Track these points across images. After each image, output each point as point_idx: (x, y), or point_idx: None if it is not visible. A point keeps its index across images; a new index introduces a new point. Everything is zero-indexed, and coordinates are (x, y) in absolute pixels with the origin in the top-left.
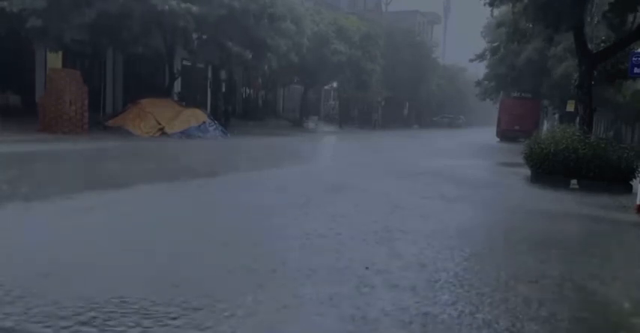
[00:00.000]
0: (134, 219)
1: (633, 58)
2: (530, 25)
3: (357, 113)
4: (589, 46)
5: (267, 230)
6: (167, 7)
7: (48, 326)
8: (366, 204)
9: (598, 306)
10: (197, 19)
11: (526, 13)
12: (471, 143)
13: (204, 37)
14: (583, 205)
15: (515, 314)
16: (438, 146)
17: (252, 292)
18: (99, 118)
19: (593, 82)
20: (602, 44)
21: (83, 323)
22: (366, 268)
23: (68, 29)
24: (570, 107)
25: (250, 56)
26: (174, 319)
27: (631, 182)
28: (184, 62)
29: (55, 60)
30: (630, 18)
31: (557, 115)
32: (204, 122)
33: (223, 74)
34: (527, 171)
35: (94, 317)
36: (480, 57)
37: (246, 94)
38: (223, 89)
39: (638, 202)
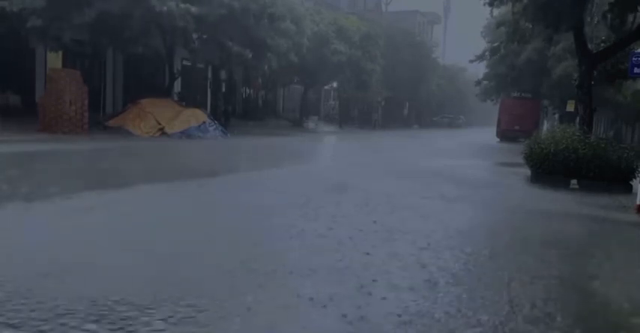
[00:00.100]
0: (134, 219)
1: (633, 58)
2: (530, 25)
3: (357, 113)
4: (589, 46)
5: (267, 230)
6: (166, 8)
7: (47, 326)
8: (366, 204)
9: (598, 306)
10: (197, 19)
11: (526, 13)
12: (470, 143)
13: (204, 36)
14: (583, 205)
15: (515, 314)
16: (437, 146)
17: (252, 292)
18: (99, 118)
19: (593, 82)
20: (602, 44)
21: (83, 323)
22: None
23: (68, 29)
24: (570, 107)
25: (250, 56)
26: (174, 318)
27: (631, 182)
28: (184, 62)
29: (55, 60)
30: (630, 18)
31: (557, 115)
32: (204, 122)
33: (223, 74)
34: (527, 171)
35: (94, 317)
36: (480, 57)
37: (246, 94)
38: (223, 89)
39: (638, 202)
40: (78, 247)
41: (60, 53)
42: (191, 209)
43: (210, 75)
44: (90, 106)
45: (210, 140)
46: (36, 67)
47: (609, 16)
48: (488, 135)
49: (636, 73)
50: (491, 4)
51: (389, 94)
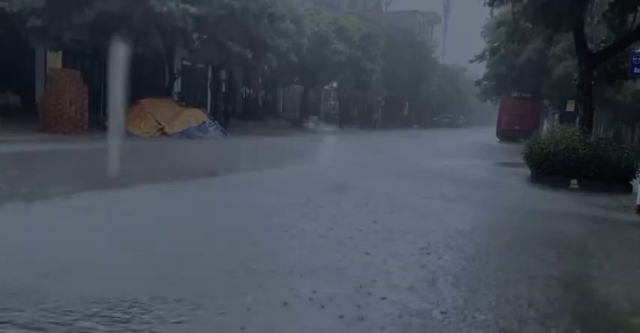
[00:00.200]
0: (134, 219)
1: (633, 58)
2: (530, 25)
3: (357, 113)
4: (589, 46)
5: (267, 230)
6: (165, 8)
7: (48, 325)
8: (366, 204)
9: (598, 306)
10: (197, 20)
11: (526, 13)
12: (470, 143)
13: (204, 37)
14: (583, 205)
15: (515, 314)
16: (437, 146)
17: (252, 292)
18: (99, 118)
19: (593, 82)
20: (602, 44)
21: (82, 322)
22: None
23: (68, 29)
24: (570, 107)
25: (250, 56)
26: (173, 318)
27: (631, 182)
28: (184, 62)
29: (55, 60)
30: (630, 18)
31: (557, 115)
32: (204, 122)
33: (223, 74)
34: (527, 171)
35: (94, 317)
36: (480, 57)
37: (246, 94)
38: (223, 89)
39: (638, 202)
40: (78, 247)
41: (60, 53)
42: (191, 209)
43: (210, 75)
44: (90, 106)
45: (210, 140)
46: (36, 67)
47: (609, 16)
48: (488, 135)
49: (636, 73)
50: (491, 4)
51: (389, 94)
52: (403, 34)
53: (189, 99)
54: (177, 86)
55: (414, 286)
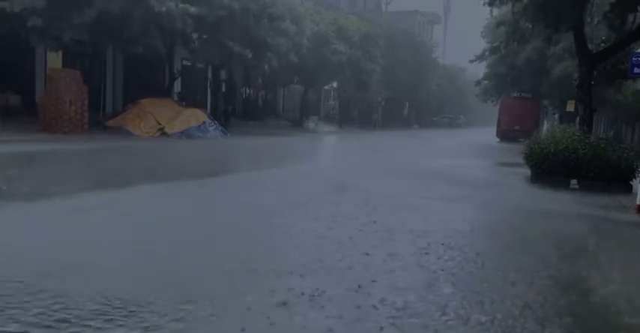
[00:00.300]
0: (134, 219)
1: (633, 58)
2: (530, 25)
3: (357, 113)
4: (589, 46)
5: (267, 230)
6: (165, 8)
7: (49, 325)
8: (366, 204)
9: (598, 306)
10: (197, 20)
11: (526, 13)
12: (471, 143)
13: (204, 37)
14: (583, 205)
15: (515, 314)
16: (438, 146)
17: (251, 292)
18: (99, 118)
19: (593, 82)
20: (602, 44)
21: (83, 322)
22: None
23: (68, 29)
24: (570, 107)
25: (250, 56)
26: (174, 318)
27: (631, 182)
28: (184, 62)
29: (55, 60)
30: (630, 18)
31: (557, 115)
32: (204, 122)
33: (223, 74)
34: (527, 171)
35: (94, 317)
36: (480, 57)
37: (246, 94)
38: (223, 89)
39: (638, 202)
40: (78, 247)
41: (60, 53)
42: (191, 209)
43: (210, 75)
44: (90, 106)
45: (210, 140)
46: (36, 67)
47: (609, 16)
48: (488, 135)
49: (636, 73)
50: (491, 4)
51: (389, 94)
52: (403, 34)
53: (189, 99)
54: (177, 86)
55: (414, 286)
